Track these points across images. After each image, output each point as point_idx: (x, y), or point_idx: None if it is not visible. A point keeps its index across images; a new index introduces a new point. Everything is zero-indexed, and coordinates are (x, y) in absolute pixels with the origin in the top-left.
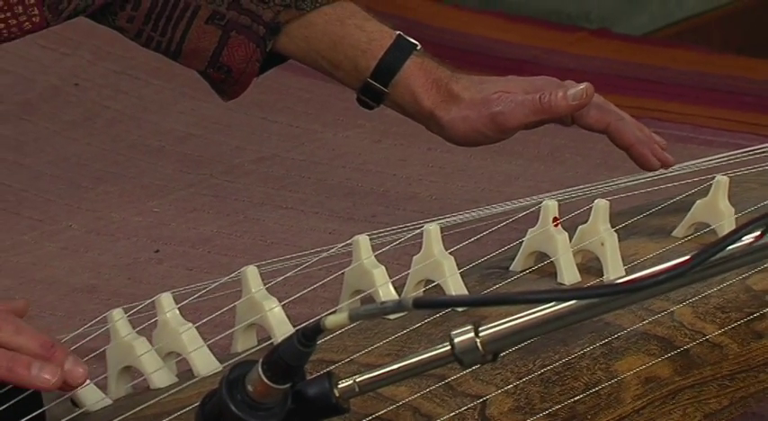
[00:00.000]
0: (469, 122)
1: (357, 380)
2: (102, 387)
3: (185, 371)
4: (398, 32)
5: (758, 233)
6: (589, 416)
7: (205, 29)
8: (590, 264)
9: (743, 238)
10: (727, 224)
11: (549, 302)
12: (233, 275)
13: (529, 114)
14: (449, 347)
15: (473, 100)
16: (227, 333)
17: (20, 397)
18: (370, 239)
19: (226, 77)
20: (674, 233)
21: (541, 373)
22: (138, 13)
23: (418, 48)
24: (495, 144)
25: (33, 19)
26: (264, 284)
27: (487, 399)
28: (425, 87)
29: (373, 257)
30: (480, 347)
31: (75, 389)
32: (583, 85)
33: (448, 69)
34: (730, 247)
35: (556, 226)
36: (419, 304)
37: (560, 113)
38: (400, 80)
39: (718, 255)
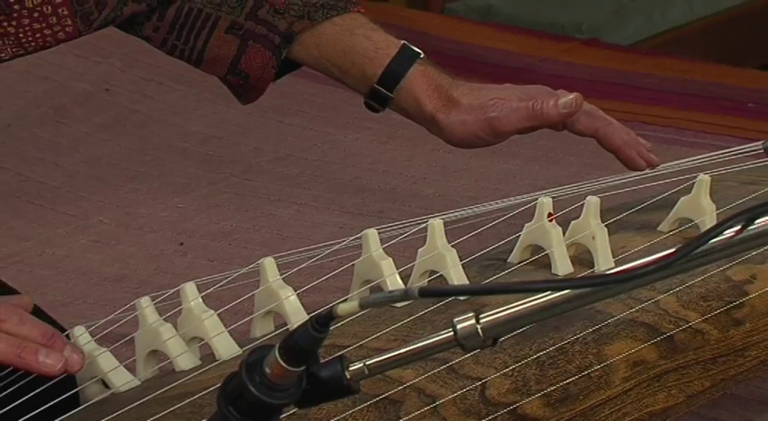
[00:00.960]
0: (467, 126)
1: (367, 363)
2: (131, 369)
3: (208, 355)
4: (403, 42)
5: (738, 227)
6: (581, 397)
7: (225, 38)
8: (582, 257)
9: (724, 233)
10: (708, 219)
11: (545, 291)
12: (252, 266)
13: (522, 120)
14: (452, 333)
15: (471, 105)
16: (247, 320)
17: (56, 379)
18: (379, 233)
19: (244, 83)
20: (660, 228)
21: (537, 357)
22: (162, 23)
23: (421, 56)
24: (494, 145)
25: (67, 29)
26: (280, 275)
27: (487, 381)
28: (427, 93)
29: (381, 250)
30: (481, 333)
31: (74, 373)
32: (572, 95)
33: (449, 76)
34: (713, 241)
35: (550, 221)
36: (425, 293)
37: (551, 120)
38: (404, 86)
39: (701, 248)
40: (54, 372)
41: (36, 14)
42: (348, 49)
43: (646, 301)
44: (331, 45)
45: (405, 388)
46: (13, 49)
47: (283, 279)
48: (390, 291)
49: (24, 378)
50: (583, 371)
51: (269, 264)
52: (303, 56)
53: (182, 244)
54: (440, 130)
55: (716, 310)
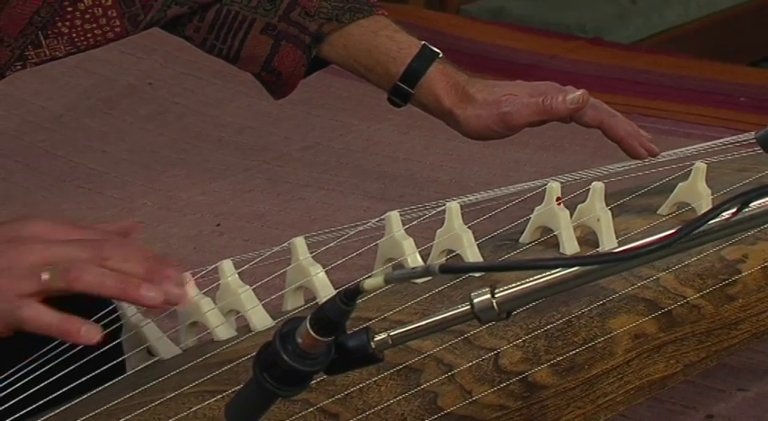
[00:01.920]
0: (482, 120)
1: (391, 334)
2: (174, 339)
3: (243, 327)
4: (423, 42)
5: (734, 210)
6: (587, 366)
7: (260, 38)
8: (587, 237)
9: (721, 214)
10: (704, 203)
11: (556, 268)
12: (283, 245)
13: (533, 115)
14: (469, 307)
15: (485, 101)
16: (279, 294)
17: (103, 348)
18: (400, 216)
19: (276, 79)
20: (659, 211)
21: (546, 330)
22: (203, 24)
23: (440, 55)
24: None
25: (115, 29)
26: (310, 253)
27: (500, 352)
28: (445, 90)
29: (403, 230)
30: (496, 307)
31: (175, 305)
32: (580, 92)
33: (465, 74)
34: (711, 222)
35: (559, 204)
36: (445, 269)
37: (560, 115)
38: (424, 83)
39: (700, 229)
40: (156, 304)
41: (88, 16)
42: (373, 48)
43: (646, 279)
44: (357, 45)
45: (424, 357)
46: (67, 48)
47: (312, 257)
48: (413, 268)
49: (73, 348)
50: (588, 343)
51: (300, 243)
52: (331, 55)
53: (218, 225)
54: (457, 124)
55: (711, 287)
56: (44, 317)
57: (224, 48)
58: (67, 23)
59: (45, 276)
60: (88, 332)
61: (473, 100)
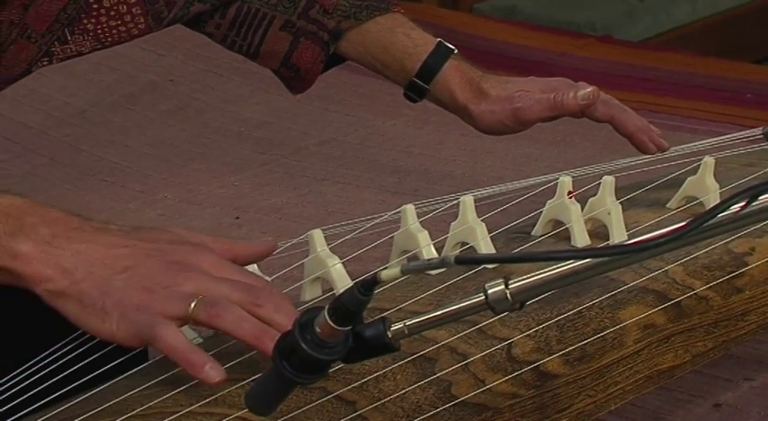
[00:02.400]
0: (495, 115)
1: (407, 323)
2: (195, 328)
3: None
4: (439, 39)
5: (743, 203)
6: (597, 356)
7: (279, 35)
8: (598, 230)
9: (730, 208)
10: (712, 197)
11: (569, 260)
12: (302, 237)
13: (544, 110)
14: (483, 297)
15: (499, 97)
16: (296, 285)
17: None
18: (415, 209)
19: (295, 75)
20: (669, 205)
21: (557, 320)
22: (224, 21)
23: (455, 52)
24: (518, 132)
25: (139, 26)
26: (327, 245)
27: (513, 341)
28: (460, 85)
29: (418, 223)
30: (510, 297)
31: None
32: (590, 88)
33: (479, 71)
34: (720, 215)
35: (570, 198)
36: (460, 260)
37: (571, 111)
38: (440, 79)
39: (710, 222)
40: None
41: (113, 13)
42: (389, 45)
43: (656, 271)
44: (374, 42)
45: (439, 347)
46: (92, 44)
47: (329, 249)
48: (429, 259)
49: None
50: (598, 334)
51: (317, 235)
52: (349, 51)
53: (237, 218)
54: (471, 119)
55: (719, 279)
56: (176, 341)
57: (244, 44)
58: (93, 20)
59: (192, 306)
60: (211, 370)
61: (487, 96)
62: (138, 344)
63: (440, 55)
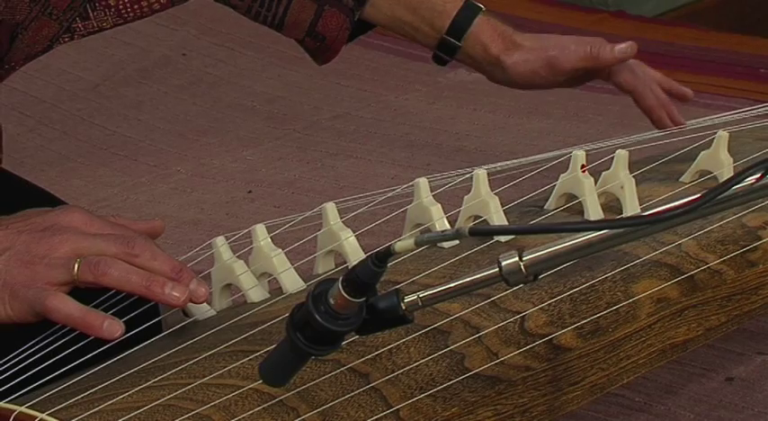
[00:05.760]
0: (529, 64)
1: (420, 295)
2: (208, 301)
3: (276, 289)
4: None
5: (758, 175)
6: (610, 330)
7: (303, 3)
8: (611, 204)
9: (745, 180)
10: (726, 171)
11: (584, 231)
12: (314, 211)
13: (580, 61)
14: (497, 269)
15: (533, 46)
16: (310, 258)
17: (142, 308)
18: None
19: (320, 45)
20: (682, 179)
21: (571, 294)
22: None
23: (483, 9)
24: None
25: (161, 0)
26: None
27: (526, 315)
28: (493, 38)
29: (431, 197)
30: (524, 269)
31: (199, 303)
32: (628, 43)
33: (510, 27)
34: (735, 187)
35: (583, 172)
36: (474, 232)
37: (606, 63)
38: (471, 34)
39: (724, 193)
40: (178, 304)
41: None
42: (417, 4)
43: (669, 245)
44: (401, 3)
45: (452, 320)
46: (114, 20)
47: (342, 223)
48: (443, 230)
49: (114, 307)
50: (611, 307)
51: (330, 208)
52: (376, 15)
53: (250, 192)
54: (503, 71)
55: (732, 253)
56: (68, 308)
57: (269, 14)
58: None
59: (75, 268)
60: (110, 327)
61: (520, 46)
62: (34, 319)
63: (469, 10)
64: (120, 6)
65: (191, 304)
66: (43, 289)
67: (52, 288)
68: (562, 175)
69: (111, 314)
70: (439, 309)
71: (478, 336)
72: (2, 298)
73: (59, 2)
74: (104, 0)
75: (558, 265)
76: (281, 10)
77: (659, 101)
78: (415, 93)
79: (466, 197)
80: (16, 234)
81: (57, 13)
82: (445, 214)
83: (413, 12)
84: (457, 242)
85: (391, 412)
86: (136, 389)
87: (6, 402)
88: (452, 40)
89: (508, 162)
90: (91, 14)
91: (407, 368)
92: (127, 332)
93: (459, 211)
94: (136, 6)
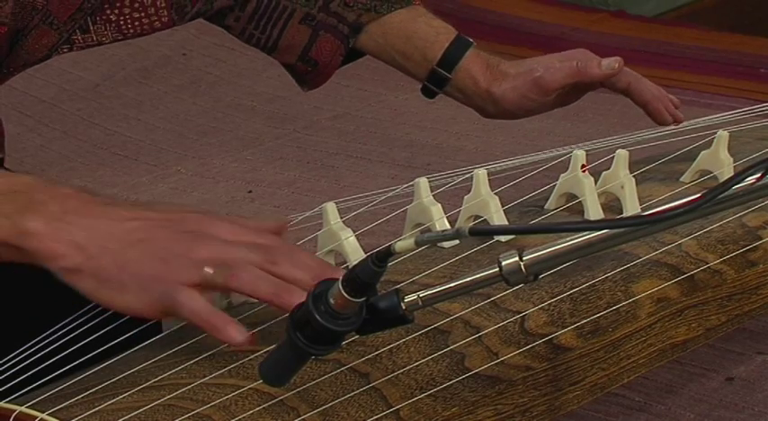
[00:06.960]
0: (517, 90)
1: (421, 295)
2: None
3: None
4: (457, 32)
5: (758, 175)
6: (610, 330)
7: (299, 28)
8: (612, 204)
9: (746, 180)
10: (726, 171)
11: (584, 231)
12: (315, 210)
13: (566, 77)
14: (497, 269)
15: (518, 72)
16: None
17: None
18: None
19: (312, 69)
20: (682, 178)
21: (571, 293)
22: (243, 14)
23: (474, 44)
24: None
25: (162, 19)
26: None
27: (526, 314)
28: (482, 70)
29: (431, 196)
30: (524, 269)
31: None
32: (614, 58)
33: (497, 57)
34: (735, 187)
35: (584, 171)
36: (474, 232)
37: (593, 78)
38: (462, 67)
39: (725, 193)
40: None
41: (136, 5)
42: (411, 34)
43: (669, 244)
44: (395, 32)
45: (452, 319)
46: (114, 35)
47: (342, 223)
48: (443, 230)
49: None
50: (612, 307)
51: (331, 207)
52: (369, 44)
53: (250, 192)
54: (495, 102)
55: (732, 253)
56: (197, 306)
57: (263, 37)
58: (116, 11)
59: (209, 270)
60: (235, 330)
61: (507, 75)
62: (156, 314)
63: (461, 44)
64: (122, 22)
65: None
66: (174, 285)
67: (183, 286)
68: (562, 175)
69: (112, 313)
70: (439, 308)
71: (479, 336)
72: (129, 287)
73: (61, 12)
74: (105, 14)
75: (559, 265)
76: (275, 33)
77: (655, 94)
78: (415, 92)
79: (466, 197)
80: (157, 227)
81: (57, 23)
82: (445, 214)
83: (406, 40)
84: (457, 242)
85: (391, 412)
86: (136, 388)
87: (6, 402)
88: (443, 71)
89: (508, 162)
90: (91, 27)
91: (408, 368)
92: (127, 332)
93: (459, 211)
94: (137, 23)
